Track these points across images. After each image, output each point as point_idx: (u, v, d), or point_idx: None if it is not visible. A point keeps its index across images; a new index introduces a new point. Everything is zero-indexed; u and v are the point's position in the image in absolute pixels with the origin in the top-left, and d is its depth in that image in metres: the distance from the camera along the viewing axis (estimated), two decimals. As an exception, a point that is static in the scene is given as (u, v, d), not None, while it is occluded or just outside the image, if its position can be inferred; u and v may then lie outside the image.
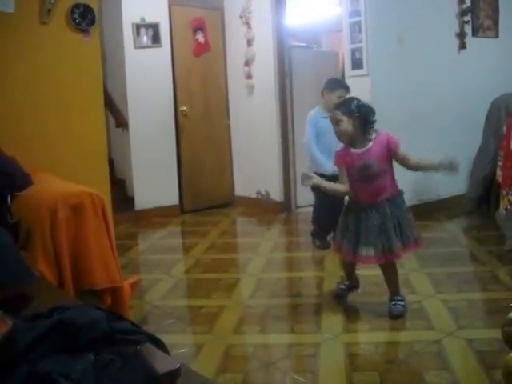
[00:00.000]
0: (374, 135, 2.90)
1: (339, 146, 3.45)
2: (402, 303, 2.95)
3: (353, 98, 2.99)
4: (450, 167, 2.76)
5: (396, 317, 2.89)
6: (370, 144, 2.89)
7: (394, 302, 2.95)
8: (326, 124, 3.99)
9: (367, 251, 2.91)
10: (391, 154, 2.89)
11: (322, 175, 3.67)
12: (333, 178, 3.61)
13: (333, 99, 4.12)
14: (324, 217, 4.36)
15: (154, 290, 3.62)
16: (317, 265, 4.06)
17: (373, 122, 2.90)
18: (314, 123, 4.33)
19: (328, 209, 4.14)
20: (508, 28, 6.20)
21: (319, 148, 4.29)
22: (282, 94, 6.04)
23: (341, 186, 2.98)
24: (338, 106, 2.95)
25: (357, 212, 2.94)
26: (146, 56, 5.92)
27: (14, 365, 1.13)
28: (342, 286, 3.28)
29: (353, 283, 3.27)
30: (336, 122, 2.90)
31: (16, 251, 2.27)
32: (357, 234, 2.91)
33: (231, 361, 2.52)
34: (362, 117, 2.86)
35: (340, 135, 2.93)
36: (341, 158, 2.98)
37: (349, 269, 3.24)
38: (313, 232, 4.55)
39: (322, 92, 4.36)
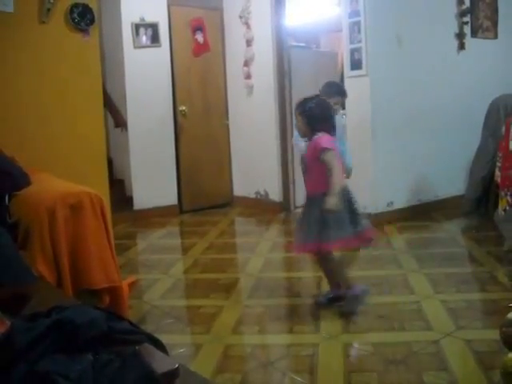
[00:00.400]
0: (318, 135, 3.04)
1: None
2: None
3: (311, 98, 3.12)
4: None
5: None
6: (309, 142, 3.12)
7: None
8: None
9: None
10: (317, 156, 3.02)
11: None
12: None
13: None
14: None
15: (153, 289, 3.62)
16: (315, 265, 4.05)
17: (319, 122, 3.05)
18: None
19: None
20: (507, 29, 6.21)
21: None
22: (281, 93, 6.04)
23: None
24: (296, 106, 3.17)
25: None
26: (145, 56, 5.92)
27: (13, 365, 1.13)
28: (321, 299, 3.23)
29: (336, 293, 3.18)
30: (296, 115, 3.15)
31: (15, 251, 2.27)
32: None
33: (230, 361, 2.51)
34: (309, 116, 3.06)
35: (298, 130, 3.21)
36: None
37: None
38: None
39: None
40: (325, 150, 2.96)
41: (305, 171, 3.23)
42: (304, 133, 3.14)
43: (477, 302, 3.22)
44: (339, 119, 4.19)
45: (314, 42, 8.56)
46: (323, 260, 3.18)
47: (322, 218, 2.95)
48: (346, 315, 2.98)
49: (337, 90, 4.25)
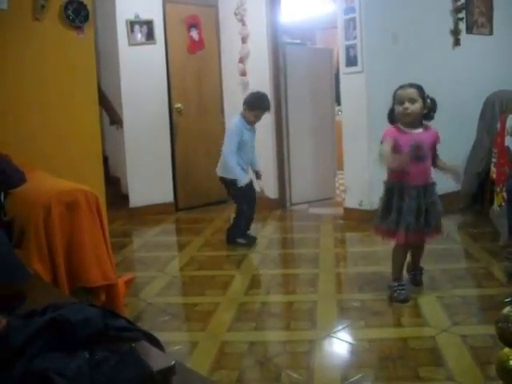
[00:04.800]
0: (426, 124, 3.17)
1: (254, 156, 4.42)
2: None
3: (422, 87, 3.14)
4: (457, 178, 3.35)
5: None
6: (421, 130, 3.14)
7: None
8: (249, 136, 4.40)
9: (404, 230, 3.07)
10: (434, 146, 3.18)
11: (231, 181, 4.40)
12: (247, 189, 4.36)
13: (249, 117, 4.39)
14: (251, 209, 4.55)
15: (149, 287, 3.61)
16: (312, 262, 4.06)
17: (433, 115, 3.17)
18: (240, 134, 4.38)
19: (252, 200, 4.51)
20: (502, 25, 6.22)
21: (241, 159, 4.41)
22: (277, 90, 6.04)
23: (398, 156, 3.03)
24: (415, 86, 3.10)
25: (400, 191, 3.09)
26: (140, 53, 5.91)
27: (9, 363, 1.13)
28: (397, 289, 3.18)
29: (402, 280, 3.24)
30: (409, 100, 3.05)
31: (10, 249, 2.26)
32: (398, 213, 3.06)
33: (226, 358, 2.51)
34: (429, 106, 3.12)
35: (409, 113, 3.06)
36: (391, 134, 3.10)
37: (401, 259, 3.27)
38: (233, 230, 4.61)
39: (243, 105, 4.47)
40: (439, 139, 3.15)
41: (420, 159, 3.10)
42: (414, 118, 3.09)
43: (473, 298, 3.23)
44: (253, 132, 4.48)
45: (310, 38, 8.58)
46: (421, 249, 3.33)
47: (429, 208, 3.08)
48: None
49: (259, 105, 4.43)
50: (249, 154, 4.49)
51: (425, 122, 3.15)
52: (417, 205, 3.04)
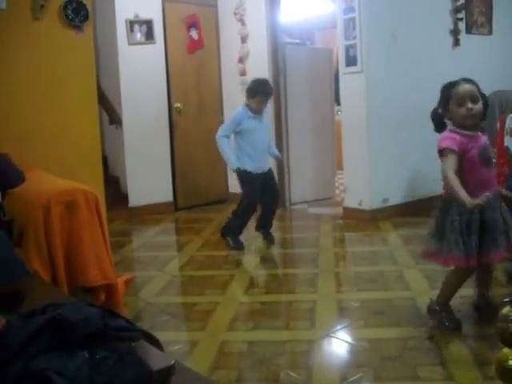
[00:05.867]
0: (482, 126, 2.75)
1: (263, 144, 4.21)
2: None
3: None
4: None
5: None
6: (480, 132, 2.68)
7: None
8: (253, 123, 4.32)
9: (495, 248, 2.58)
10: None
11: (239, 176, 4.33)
12: (247, 182, 4.31)
13: (253, 104, 4.34)
14: (252, 207, 4.45)
15: (148, 286, 3.61)
16: (311, 261, 4.06)
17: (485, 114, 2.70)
18: (238, 121, 4.36)
19: (252, 198, 4.42)
20: (501, 25, 6.23)
21: (244, 146, 4.36)
22: (276, 90, 6.02)
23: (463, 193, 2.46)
24: (471, 82, 2.66)
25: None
26: (140, 52, 5.90)
27: (8, 362, 1.12)
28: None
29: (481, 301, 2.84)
30: (470, 99, 2.59)
31: (9, 248, 2.26)
32: (479, 230, 2.54)
33: (225, 357, 2.52)
34: (486, 104, 2.67)
35: (474, 114, 2.59)
36: (454, 141, 2.57)
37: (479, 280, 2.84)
38: (227, 230, 4.54)
39: (245, 94, 4.45)
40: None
41: (489, 163, 2.65)
42: (479, 120, 2.65)
43: (472, 298, 3.23)
44: (261, 120, 4.42)
45: (309, 38, 8.58)
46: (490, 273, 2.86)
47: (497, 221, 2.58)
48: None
49: (261, 89, 4.37)
50: (258, 143, 4.39)
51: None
52: (486, 219, 2.55)
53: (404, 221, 5.06)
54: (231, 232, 4.48)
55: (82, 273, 2.57)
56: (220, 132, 4.41)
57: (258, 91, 4.35)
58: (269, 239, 4.56)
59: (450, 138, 2.58)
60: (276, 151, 4.73)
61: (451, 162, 2.53)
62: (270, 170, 4.57)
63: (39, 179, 2.91)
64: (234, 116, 4.44)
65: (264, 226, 4.61)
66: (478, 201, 2.40)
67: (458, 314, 2.75)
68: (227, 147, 4.37)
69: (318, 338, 2.67)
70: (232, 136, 4.42)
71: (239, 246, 4.42)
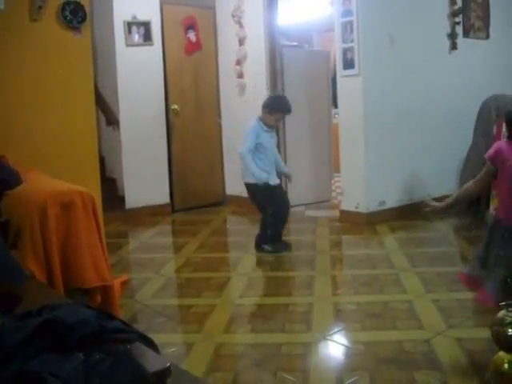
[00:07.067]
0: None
1: (274, 159, 4.22)
2: None
3: None
4: None
5: None
6: None
7: None
8: (267, 138, 4.33)
9: None
10: None
11: (255, 185, 4.29)
12: (271, 192, 4.28)
13: (269, 120, 4.34)
14: (281, 215, 4.45)
15: (145, 288, 3.61)
16: (308, 264, 4.06)
17: None
18: (256, 134, 4.33)
19: (279, 204, 4.42)
20: (498, 29, 6.24)
21: (263, 160, 4.33)
22: (274, 93, 6.03)
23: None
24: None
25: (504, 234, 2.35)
26: (138, 54, 5.90)
27: (3, 364, 1.12)
28: None
29: None
30: None
31: (5, 250, 2.26)
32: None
33: (221, 360, 2.51)
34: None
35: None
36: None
37: None
38: (260, 236, 4.47)
39: (262, 109, 4.43)
40: None
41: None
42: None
43: (468, 301, 3.23)
44: (272, 136, 4.43)
45: (307, 41, 8.59)
46: None
47: None
48: None
49: (280, 108, 4.37)
50: (271, 159, 4.39)
51: None
52: None
53: (401, 224, 5.07)
54: (264, 240, 4.43)
55: (78, 274, 2.56)
56: (244, 149, 4.30)
57: (280, 109, 4.36)
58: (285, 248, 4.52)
59: None
60: (285, 168, 4.73)
61: None
62: (281, 188, 4.62)
63: (36, 180, 2.90)
64: (252, 130, 4.35)
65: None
66: None
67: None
68: (253, 163, 4.29)
69: (314, 341, 2.67)
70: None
71: (279, 247, 4.38)
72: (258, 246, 4.45)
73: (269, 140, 4.38)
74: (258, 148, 4.31)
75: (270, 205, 4.42)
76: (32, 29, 3.51)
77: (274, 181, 4.37)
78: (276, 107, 4.36)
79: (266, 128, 4.34)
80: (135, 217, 5.83)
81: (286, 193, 4.72)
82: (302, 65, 6.33)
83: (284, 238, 4.56)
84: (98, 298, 2.64)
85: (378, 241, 4.64)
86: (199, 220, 5.79)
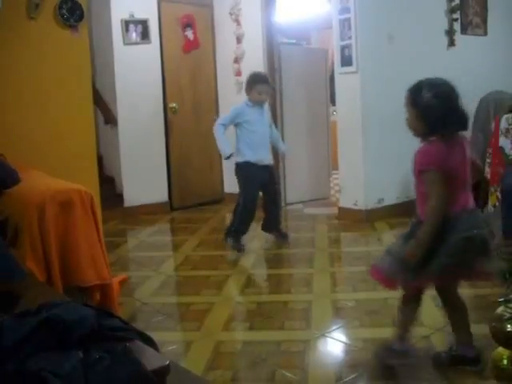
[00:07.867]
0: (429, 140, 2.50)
1: (263, 138, 4.18)
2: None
3: (430, 83, 2.54)
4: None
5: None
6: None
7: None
8: (252, 114, 4.32)
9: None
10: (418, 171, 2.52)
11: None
12: (243, 176, 4.27)
13: (253, 96, 4.34)
14: (253, 211, 4.37)
15: (144, 287, 3.61)
16: (307, 261, 4.06)
17: (438, 121, 2.47)
18: (238, 112, 4.36)
19: (248, 194, 4.34)
20: (496, 26, 6.24)
21: (251, 138, 4.31)
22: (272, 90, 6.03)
23: None
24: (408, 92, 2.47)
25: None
26: (135, 52, 5.90)
27: (1, 362, 1.12)
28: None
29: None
30: None
31: (4, 248, 2.26)
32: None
33: (221, 357, 2.51)
34: (423, 109, 2.48)
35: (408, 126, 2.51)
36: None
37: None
38: (228, 231, 4.44)
39: (245, 90, 4.46)
40: (422, 171, 2.34)
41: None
42: (415, 131, 2.47)
43: (466, 298, 3.20)
44: (262, 113, 4.40)
45: (305, 38, 8.58)
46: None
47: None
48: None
49: (254, 78, 4.39)
50: (264, 136, 4.38)
51: None
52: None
53: (399, 221, 5.06)
54: (228, 233, 4.42)
55: (76, 273, 2.56)
56: (218, 120, 4.44)
57: (256, 80, 4.36)
58: (282, 238, 4.53)
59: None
60: (282, 146, 4.73)
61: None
62: (272, 169, 4.55)
63: (34, 179, 2.90)
64: (233, 107, 4.46)
65: (273, 227, 4.59)
66: None
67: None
68: (222, 135, 4.33)
69: (313, 338, 2.68)
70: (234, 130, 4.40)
71: (238, 247, 4.31)
72: (225, 235, 4.42)
73: (257, 116, 4.35)
74: (245, 126, 4.31)
75: (241, 189, 4.41)
76: (29, 27, 3.51)
77: (253, 158, 4.29)
78: (251, 80, 4.37)
79: (251, 104, 4.34)
80: (134, 215, 5.83)
81: (275, 190, 4.61)
82: (300, 62, 6.33)
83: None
84: (97, 297, 2.65)
85: (377, 238, 4.65)
86: (198, 218, 5.79)
